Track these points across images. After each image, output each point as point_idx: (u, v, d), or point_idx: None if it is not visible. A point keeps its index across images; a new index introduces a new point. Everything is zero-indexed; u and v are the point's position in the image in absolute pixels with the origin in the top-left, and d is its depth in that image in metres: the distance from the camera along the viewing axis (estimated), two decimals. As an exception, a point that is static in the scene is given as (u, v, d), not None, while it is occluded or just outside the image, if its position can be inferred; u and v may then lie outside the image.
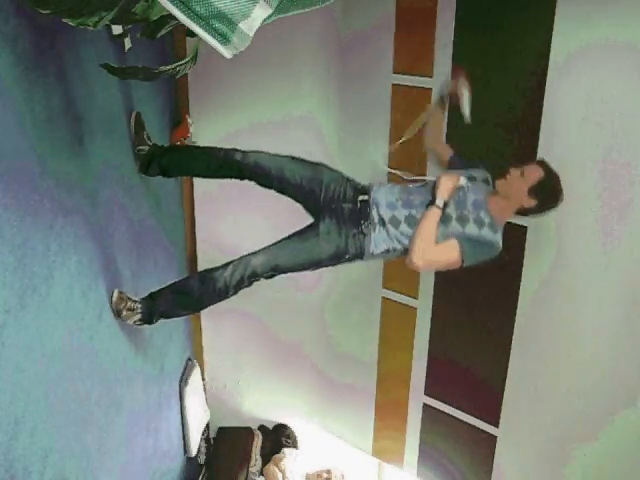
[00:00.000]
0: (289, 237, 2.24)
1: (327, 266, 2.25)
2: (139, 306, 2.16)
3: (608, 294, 2.46)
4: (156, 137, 2.80)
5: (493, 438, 3.03)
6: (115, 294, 2.07)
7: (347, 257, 2.20)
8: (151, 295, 2.24)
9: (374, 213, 2.19)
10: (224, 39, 1.24)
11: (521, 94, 2.50)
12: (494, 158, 2.64)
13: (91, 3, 1.28)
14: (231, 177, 2.35)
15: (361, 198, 2.23)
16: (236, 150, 2.32)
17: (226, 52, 1.27)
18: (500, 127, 2.59)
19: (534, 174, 2.08)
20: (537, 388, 2.80)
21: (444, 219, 2.12)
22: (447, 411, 3.20)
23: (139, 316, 2.16)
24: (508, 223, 2.55)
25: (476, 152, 2.69)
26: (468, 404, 3.11)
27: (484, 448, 3.08)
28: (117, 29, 2.06)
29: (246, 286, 2.20)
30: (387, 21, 2.79)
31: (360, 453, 3.81)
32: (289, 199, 2.37)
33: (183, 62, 1.83)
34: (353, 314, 3.48)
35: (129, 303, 2.13)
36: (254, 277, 2.17)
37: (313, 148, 3.25)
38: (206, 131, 3.22)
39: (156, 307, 2.21)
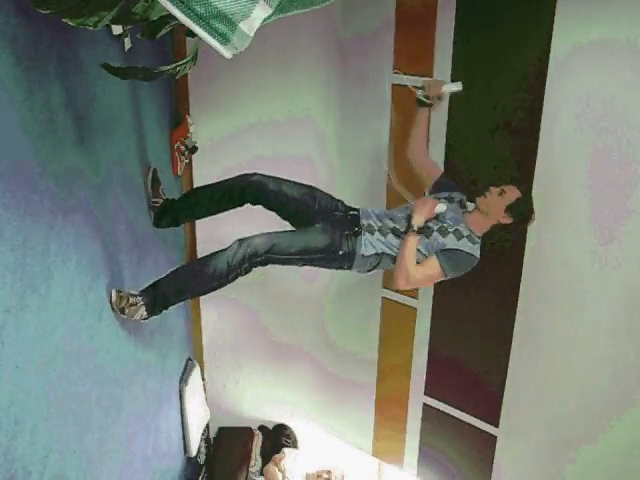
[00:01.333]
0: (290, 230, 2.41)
1: (319, 262, 2.32)
2: (140, 299, 2.14)
3: (608, 294, 2.46)
4: (156, 137, 2.81)
5: (493, 438, 3.03)
6: (113, 294, 2.07)
7: (340, 253, 2.30)
8: (152, 284, 2.24)
9: (364, 221, 2.37)
10: (224, 39, 1.24)
11: (521, 94, 2.50)
12: (494, 158, 2.65)
13: (91, 3, 1.28)
14: (234, 205, 2.49)
15: (351, 212, 2.41)
16: (236, 176, 2.47)
17: (226, 52, 1.27)
18: (500, 127, 2.59)
19: (512, 194, 2.27)
20: (537, 388, 2.80)
21: (426, 232, 2.30)
22: (447, 411, 3.20)
23: (143, 308, 2.14)
24: (508, 223, 2.55)
25: (476, 152, 2.69)
26: (468, 404, 3.11)
27: (484, 448, 3.08)
28: (117, 29, 2.06)
29: (245, 269, 2.22)
30: (387, 21, 2.79)
31: (360, 453, 3.81)
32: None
33: (183, 62, 1.83)
34: (353, 314, 3.48)
35: (130, 299, 2.12)
36: (254, 257, 2.21)
37: (313, 148, 3.26)
38: (206, 131, 3.22)
39: (158, 295, 2.20)
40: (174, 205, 2.57)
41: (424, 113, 2.47)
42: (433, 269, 2.27)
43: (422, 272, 2.28)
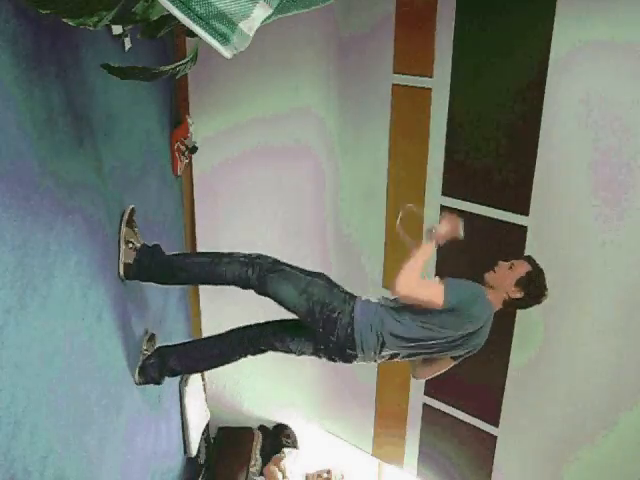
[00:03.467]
0: None
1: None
2: (135, 258, 2.17)
3: (608, 294, 2.46)
4: (156, 137, 2.81)
5: (493, 438, 3.03)
6: (125, 218, 2.14)
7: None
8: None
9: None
10: (224, 39, 1.23)
11: (521, 94, 2.50)
12: (494, 158, 2.64)
13: (91, 3, 1.28)
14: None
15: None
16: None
17: (226, 52, 1.27)
18: (500, 127, 2.59)
19: (522, 267, 2.17)
20: (537, 388, 2.80)
21: None
22: (447, 411, 3.21)
23: (133, 255, 2.16)
24: (508, 223, 2.55)
25: (476, 152, 2.69)
26: (468, 404, 3.11)
27: (484, 448, 3.08)
28: (117, 29, 2.05)
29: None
30: (387, 21, 2.79)
31: (360, 453, 3.81)
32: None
33: (183, 62, 1.83)
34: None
35: (135, 242, 2.17)
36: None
37: (314, 148, 3.26)
38: (206, 131, 3.22)
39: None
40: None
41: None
42: (435, 288, 2.10)
43: (424, 285, 2.11)
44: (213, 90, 3.14)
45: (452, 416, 3.18)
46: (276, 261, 2.21)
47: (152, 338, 2.49)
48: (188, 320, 3.51)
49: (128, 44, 2.20)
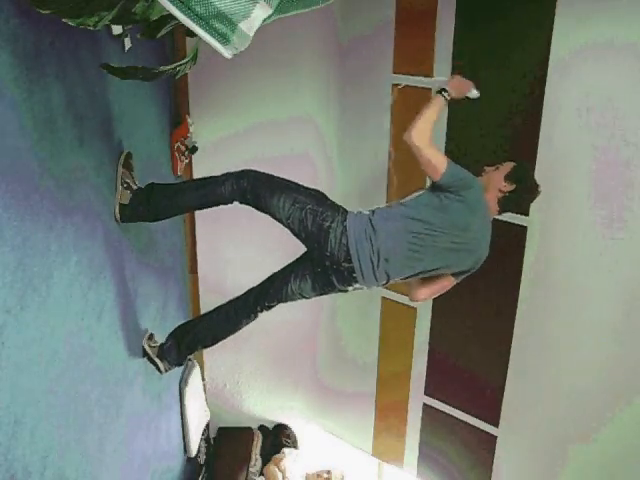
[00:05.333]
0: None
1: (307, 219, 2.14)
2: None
3: (608, 294, 2.46)
4: (156, 137, 2.81)
5: (493, 438, 3.03)
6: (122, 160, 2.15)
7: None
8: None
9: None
10: (224, 39, 1.24)
11: (521, 94, 2.50)
12: (494, 158, 2.64)
13: (91, 3, 1.28)
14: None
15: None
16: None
17: (226, 52, 1.27)
18: (500, 127, 2.59)
19: (508, 165, 2.20)
20: (537, 388, 2.80)
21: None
22: (447, 411, 3.20)
23: (129, 196, 2.14)
24: (508, 223, 2.55)
25: (476, 152, 2.69)
26: (468, 404, 3.11)
27: (484, 448, 3.08)
28: (117, 29, 2.06)
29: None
30: (387, 21, 2.79)
31: (360, 453, 3.81)
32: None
33: (183, 62, 1.84)
34: (353, 314, 3.48)
35: (131, 183, 2.16)
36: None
37: (313, 148, 3.26)
38: (206, 131, 3.22)
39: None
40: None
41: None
42: (442, 155, 2.10)
43: (432, 148, 2.08)
44: (213, 90, 3.15)
45: (452, 416, 3.18)
46: (271, 175, 2.20)
47: (151, 338, 2.50)
48: (188, 319, 3.50)
49: (128, 44, 2.20)
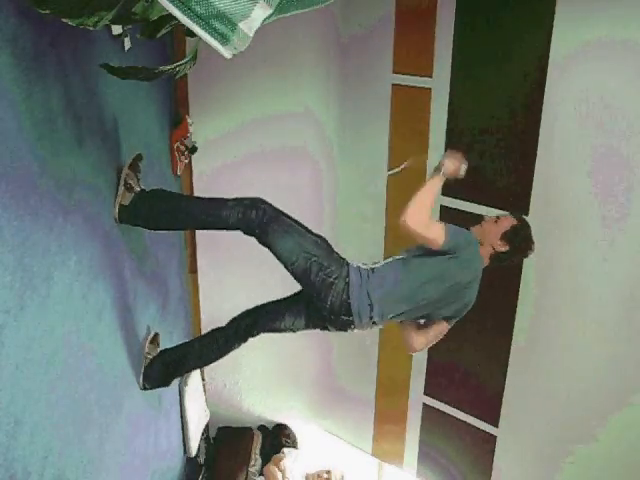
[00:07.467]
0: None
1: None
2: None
3: (608, 295, 2.47)
4: (156, 137, 2.81)
5: (493, 438, 3.03)
6: (129, 161, 2.13)
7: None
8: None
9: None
10: (224, 39, 1.23)
11: (521, 94, 2.50)
12: (494, 158, 2.65)
13: (91, 3, 1.28)
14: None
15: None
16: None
17: (226, 52, 1.27)
18: (500, 126, 2.59)
19: (507, 221, 2.18)
20: (537, 388, 2.80)
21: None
22: (447, 411, 3.20)
23: (130, 198, 2.12)
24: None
25: (476, 152, 2.69)
26: (468, 404, 3.11)
27: (484, 448, 3.08)
28: (117, 29, 2.05)
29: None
30: (387, 21, 2.79)
31: (360, 453, 3.81)
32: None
33: (183, 62, 1.83)
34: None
35: (134, 185, 2.13)
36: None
37: (313, 148, 3.26)
38: (206, 131, 3.22)
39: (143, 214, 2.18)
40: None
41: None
42: (440, 227, 2.08)
43: (430, 223, 2.07)
44: (213, 90, 3.15)
45: (452, 416, 3.18)
46: (280, 211, 2.15)
47: (155, 338, 2.50)
48: (188, 320, 3.51)
49: (128, 44, 2.20)
